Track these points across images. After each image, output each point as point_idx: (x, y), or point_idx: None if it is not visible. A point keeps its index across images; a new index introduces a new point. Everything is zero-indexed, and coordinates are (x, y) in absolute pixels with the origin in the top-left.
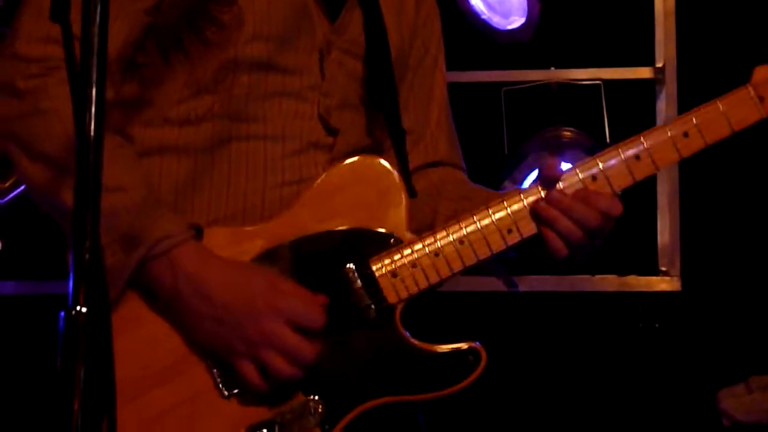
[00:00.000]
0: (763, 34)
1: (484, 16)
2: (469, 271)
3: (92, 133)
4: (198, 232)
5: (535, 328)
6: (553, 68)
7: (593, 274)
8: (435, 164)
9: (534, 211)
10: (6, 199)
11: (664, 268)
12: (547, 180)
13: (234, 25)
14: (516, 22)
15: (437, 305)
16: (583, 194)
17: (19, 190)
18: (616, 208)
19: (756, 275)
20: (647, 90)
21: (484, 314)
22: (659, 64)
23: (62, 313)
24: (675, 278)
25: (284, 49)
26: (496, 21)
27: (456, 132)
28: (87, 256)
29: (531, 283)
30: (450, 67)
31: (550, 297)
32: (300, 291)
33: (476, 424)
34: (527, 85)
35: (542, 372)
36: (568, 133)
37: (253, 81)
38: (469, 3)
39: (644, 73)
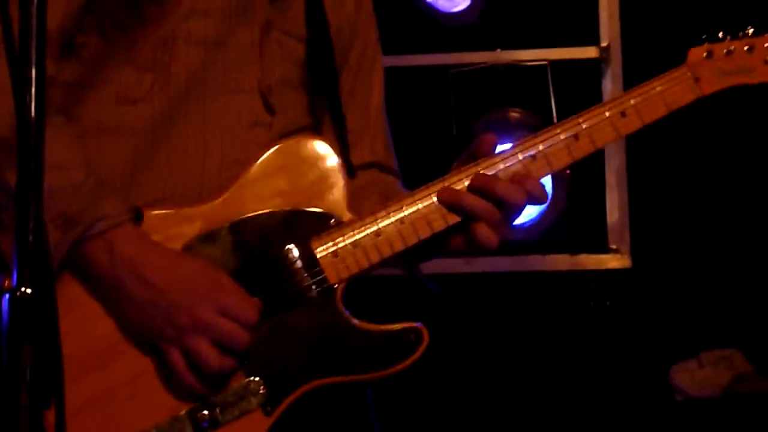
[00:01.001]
0: (704, 12)
1: None
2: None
3: (33, 114)
4: (137, 215)
5: (487, 308)
6: (499, 50)
7: (544, 253)
8: (370, 165)
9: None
10: None
11: (614, 246)
12: (484, 153)
13: (171, 0)
14: (461, 4)
15: (389, 287)
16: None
17: None
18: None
19: (705, 250)
20: (593, 69)
21: (434, 296)
22: (604, 44)
23: (7, 295)
24: (625, 255)
25: (222, 25)
26: (442, 4)
27: (390, 135)
28: (30, 237)
29: (483, 264)
30: (397, 50)
31: (501, 277)
32: (237, 287)
33: (428, 403)
34: (474, 67)
35: (495, 352)
36: (516, 114)
37: (191, 57)
38: None
39: (590, 52)
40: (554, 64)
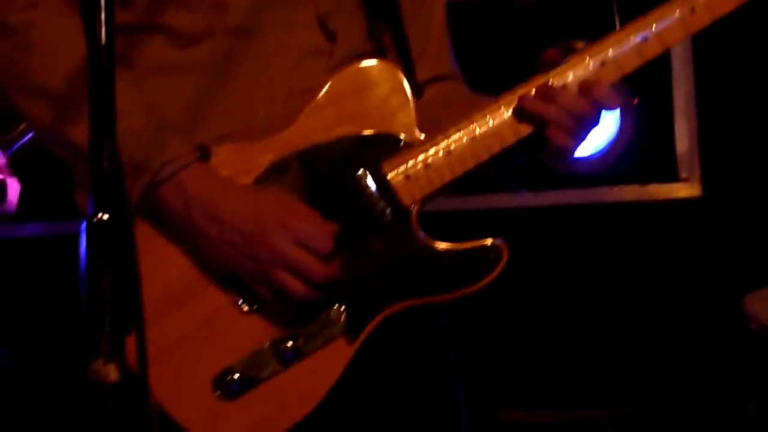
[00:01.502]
0: None
1: None
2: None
3: (103, 40)
4: (204, 153)
5: (557, 241)
6: None
7: (613, 184)
8: (441, 78)
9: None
10: (17, 145)
11: (684, 175)
12: (551, 65)
13: None
14: None
15: (453, 225)
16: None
17: (30, 134)
18: (612, 100)
19: None
20: None
21: (504, 231)
22: None
23: (84, 223)
24: (695, 184)
25: None
26: None
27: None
28: (106, 163)
29: (550, 197)
30: None
31: (570, 210)
32: (311, 214)
33: (501, 336)
34: None
35: (567, 285)
36: (581, 45)
37: None
38: None
39: None
40: None
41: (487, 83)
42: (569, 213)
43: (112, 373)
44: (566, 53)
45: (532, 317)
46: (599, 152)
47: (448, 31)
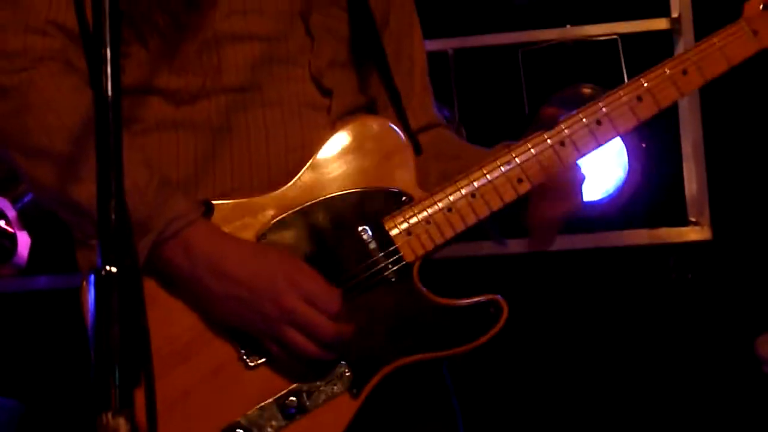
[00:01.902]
0: None
1: None
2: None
3: (110, 92)
4: (207, 208)
5: (567, 286)
6: (568, 26)
7: (623, 228)
8: (427, 127)
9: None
10: (26, 199)
11: (693, 218)
12: (549, 124)
13: (208, 3)
14: None
15: (464, 269)
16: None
17: None
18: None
19: None
20: (665, 41)
21: (514, 276)
22: (675, 15)
23: (92, 276)
24: (705, 227)
25: (264, 18)
26: None
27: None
28: (113, 215)
29: (561, 242)
30: (466, 31)
31: (581, 254)
32: (318, 274)
33: (508, 381)
34: (544, 44)
35: (577, 330)
36: (588, 90)
37: (239, 53)
38: None
39: (660, 24)
40: (625, 37)
41: (494, 129)
42: (579, 257)
43: (122, 426)
44: (566, 107)
45: (544, 360)
46: (608, 197)
47: (429, 83)
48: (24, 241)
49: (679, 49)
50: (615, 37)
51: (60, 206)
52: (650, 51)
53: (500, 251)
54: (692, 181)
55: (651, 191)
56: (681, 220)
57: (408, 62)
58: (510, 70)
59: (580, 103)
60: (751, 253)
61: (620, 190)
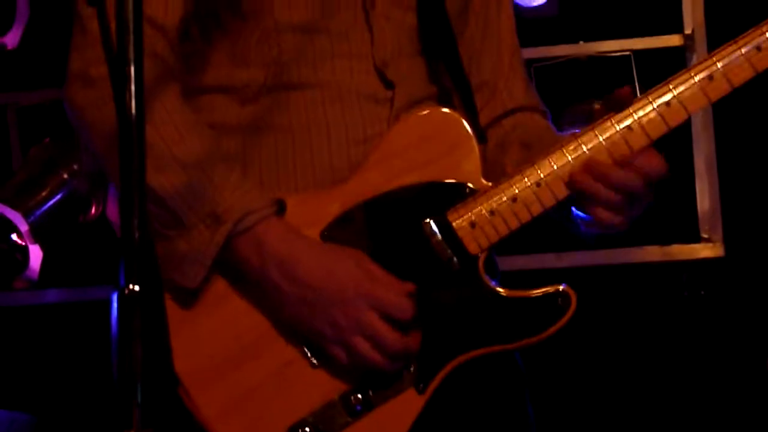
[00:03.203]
0: None
1: None
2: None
3: (134, 111)
4: (281, 206)
5: (580, 303)
6: (581, 42)
7: (635, 245)
8: (513, 111)
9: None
10: (39, 212)
11: (705, 235)
12: (620, 105)
13: None
14: None
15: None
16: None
17: (51, 202)
18: (661, 168)
19: None
20: (678, 57)
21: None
22: (688, 31)
23: (115, 294)
24: (718, 244)
25: (324, 9)
26: None
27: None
28: (136, 233)
29: (573, 259)
30: None
31: (593, 271)
32: (389, 278)
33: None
34: (557, 60)
35: (590, 347)
36: (599, 106)
37: (299, 46)
38: None
39: (674, 41)
40: (638, 53)
41: None
42: (591, 274)
43: None
44: (579, 123)
45: (557, 376)
46: None
47: (521, 55)
48: (36, 254)
49: None
50: (628, 53)
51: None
52: (663, 67)
53: (509, 267)
54: (705, 197)
55: (663, 208)
56: (694, 236)
57: (495, 43)
58: None
59: (593, 118)
60: (765, 269)
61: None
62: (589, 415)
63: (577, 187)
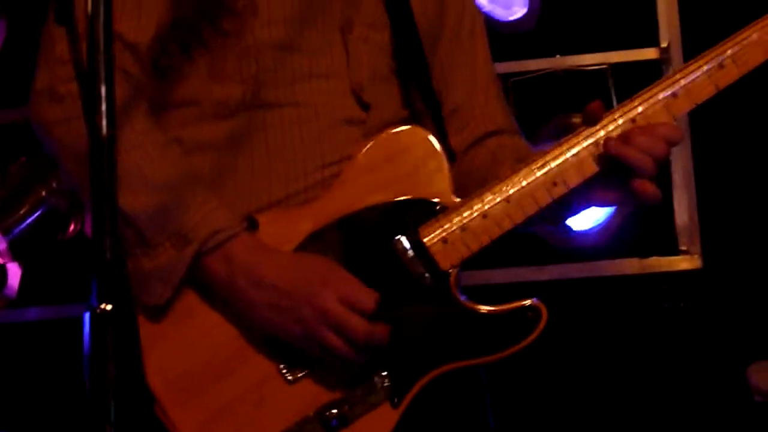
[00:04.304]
0: (765, 6)
1: (485, 9)
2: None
3: (104, 132)
4: (251, 223)
5: (559, 315)
6: (558, 56)
7: (614, 258)
8: (495, 133)
9: (600, 154)
10: (17, 230)
11: (684, 247)
12: (591, 120)
13: (248, 11)
14: (518, 12)
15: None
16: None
17: (30, 219)
18: (677, 133)
19: None
20: (654, 70)
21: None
22: (664, 44)
23: (87, 314)
24: (696, 256)
25: (303, 30)
26: (499, 13)
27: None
28: (108, 254)
29: (553, 271)
30: None
31: (572, 284)
32: (353, 277)
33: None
34: (534, 74)
35: (570, 359)
36: (579, 120)
37: (278, 65)
38: None
39: (650, 54)
40: (614, 67)
41: None
42: (571, 287)
43: None
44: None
45: (536, 389)
46: (598, 226)
47: (498, 83)
48: (15, 272)
49: None
50: (605, 66)
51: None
52: (640, 80)
53: (490, 280)
54: (683, 210)
55: (642, 220)
56: (672, 249)
57: (468, 68)
58: None
59: (570, 132)
60: (742, 281)
61: (611, 220)
62: (572, 427)
63: (614, 153)
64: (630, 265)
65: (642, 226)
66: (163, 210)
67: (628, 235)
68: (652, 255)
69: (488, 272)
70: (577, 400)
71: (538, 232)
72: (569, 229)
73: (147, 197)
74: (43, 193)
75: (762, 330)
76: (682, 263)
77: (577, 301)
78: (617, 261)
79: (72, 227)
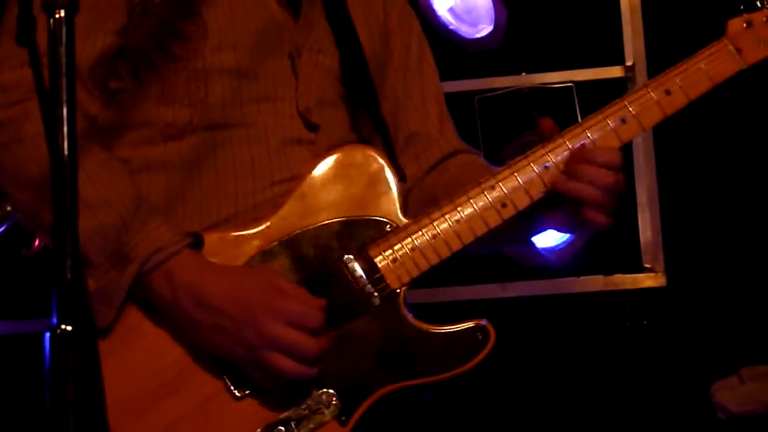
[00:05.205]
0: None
1: (451, 26)
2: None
3: (66, 152)
4: (197, 240)
5: (524, 332)
6: (524, 73)
7: (579, 275)
8: (453, 154)
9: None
10: None
11: (648, 265)
12: (546, 137)
13: (199, 36)
14: (484, 30)
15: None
16: (580, 154)
17: None
18: (615, 157)
19: (739, 265)
20: (619, 89)
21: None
22: (629, 63)
23: (47, 334)
24: (660, 274)
25: (253, 55)
26: (465, 30)
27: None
28: (69, 275)
29: (518, 288)
30: None
31: (537, 301)
32: (298, 291)
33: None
34: (500, 92)
35: (534, 376)
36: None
37: (226, 89)
38: (436, 14)
39: (615, 72)
40: (580, 85)
41: None
42: (535, 303)
43: None
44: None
45: (501, 406)
46: (563, 243)
47: (447, 111)
48: None
49: None
50: (570, 84)
51: (44, 232)
52: (605, 98)
53: (455, 297)
54: (647, 228)
55: (606, 238)
56: (636, 266)
57: (419, 94)
58: (466, 117)
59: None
60: (706, 299)
61: (576, 237)
62: None
63: (562, 190)
64: (594, 283)
65: (606, 244)
66: (102, 230)
67: (592, 253)
68: (616, 272)
69: (453, 289)
70: (539, 418)
71: (505, 251)
72: (535, 247)
73: (84, 219)
74: (8, 208)
75: (725, 347)
76: (646, 281)
77: (541, 318)
78: (581, 278)
79: (37, 243)
